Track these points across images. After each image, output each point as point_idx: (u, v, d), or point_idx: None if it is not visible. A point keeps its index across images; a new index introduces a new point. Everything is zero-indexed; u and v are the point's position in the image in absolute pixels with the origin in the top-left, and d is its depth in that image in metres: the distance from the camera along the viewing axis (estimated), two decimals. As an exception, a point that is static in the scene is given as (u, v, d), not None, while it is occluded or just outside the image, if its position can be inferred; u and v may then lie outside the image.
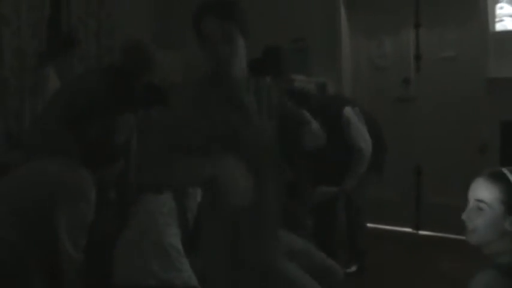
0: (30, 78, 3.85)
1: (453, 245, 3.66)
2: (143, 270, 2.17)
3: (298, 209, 2.84)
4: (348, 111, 3.18)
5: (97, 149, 2.24)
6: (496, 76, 3.81)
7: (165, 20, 4.98)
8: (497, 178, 1.37)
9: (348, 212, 3.43)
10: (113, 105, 2.46)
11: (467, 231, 1.41)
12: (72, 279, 1.98)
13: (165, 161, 1.53)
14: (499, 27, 3.87)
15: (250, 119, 1.66)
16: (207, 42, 1.59)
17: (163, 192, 2.40)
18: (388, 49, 4.46)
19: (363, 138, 3.14)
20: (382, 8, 4.36)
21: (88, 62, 4.22)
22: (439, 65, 4.16)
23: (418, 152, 4.29)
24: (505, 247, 1.35)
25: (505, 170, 1.38)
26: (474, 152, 3.82)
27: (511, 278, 1.29)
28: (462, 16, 4.01)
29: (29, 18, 3.88)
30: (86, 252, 2.07)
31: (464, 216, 1.41)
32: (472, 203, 1.40)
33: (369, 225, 3.68)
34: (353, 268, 3.42)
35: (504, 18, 3.85)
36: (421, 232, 4.28)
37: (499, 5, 3.86)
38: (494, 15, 3.86)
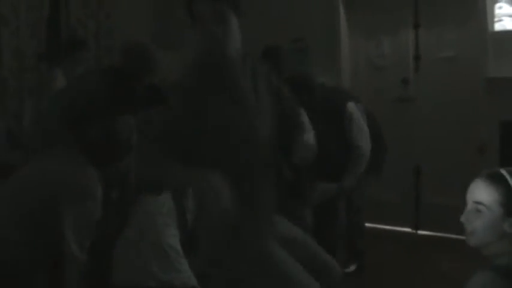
0: (29, 79, 3.85)
1: (452, 245, 3.66)
2: (143, 271, 2.17)
3: (298, 208, 2.83)
4: (351, 106, 3.12)
5: (101, 147, 2.23)
6: (495, 76, 3.82)
7: (164, 20, 4.97)
8: (495, 180, 1.36)
9: (347, 211, 3.43)
10: (113, 106, 2.46)
11: (466, 234, 1.40)
12: (74, 280, 1.97)
13: (158, 166, 1.53)
14: (498, 27, 3.87)
15: (245, 104, 1.61)
16: (200, 23, 1.57)
17: (162, 193, 2.40)
18: (387, 49, 4.46)
19: (364, 137, 3.09)
20: (381, 8, 4.36)
21: (87, 63, 4.21)
22: (438, 65, 4.16)
23: (417, 152, 4.30)
24: (504, 249, 1.35)
25: (504, 171, 1.37)
26: (473, 152, 3.82)
27: (509, 280, 1.28)
28: (461, 16, 4.01)
29: (28, 19, 3.88)
30: (88, 253, 2.07)
31: (462, 219, 1.40)
32: (470, 205, 1.39)
33: (368, 225, 3.68)
34: (352, 268, 3.43)
35: (503, 18, 3.86)
36: (420, 232, 4.28)
37: (498, 5, 3.86)
38: (493, 15, 3.86)
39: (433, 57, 4.19)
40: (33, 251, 1.89)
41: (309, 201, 3.15)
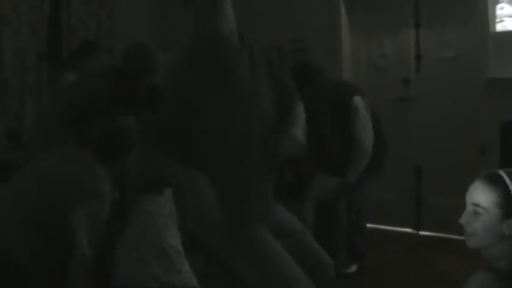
0: (31, 79, 3.85)
1: (453, 245, 3.66)
2: (144, 272, 2.17)
3: (298, 208, 2.83)
4: (358, 100, 3.09)
5: (106, 143, 2.21)
6: (496, 76, 3.82)
7: (164, 20, 4.97)
8: (493, 181, 1.35)
9: (348, 212, 3.42)
10: (113, 107, 2.46)
11: (466, 235, 1.39)
12: (79, 280, 1.95)
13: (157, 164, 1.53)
14: (499, 27, 3.87)
15: (240, 87, 1.59)
16: (192, 4, 1.55)
17: (163, 194, 2.40)
18: (388, 49, 4.46)
19: (367, 132, 3.06)
20: (383, 8, 4.36)
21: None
22: (439, 65, 4.16)
23: (418, 152, 4.29)
24: (503, 251, 1.34)
25: (502, 172, 1.36)
26: (474, 152, 3.82)
27: (507, 282, 1.28)
28: (462, 16, 4.00)
29: (29, 19, 3.88)
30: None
31: (462, 220, 1.39)
32: (469, 206, 1.39)
33: (369, 225, 3.67)
34: (353, 268, 3.42)
35: (504, 18, 3.85)
36: (422, 232, 4.28)
37: (499, 6, 3.86)
38: (494, 16, 3.86)
39: (434, 58, 4.19)
40: (36, 251, 1.88)
41: (309, 195, 3.12)
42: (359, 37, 4.63)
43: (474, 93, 3.92)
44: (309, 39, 4.55)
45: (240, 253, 1.67)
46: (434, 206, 4.09)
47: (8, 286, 1.82)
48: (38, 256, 1.88)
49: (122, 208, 2.56)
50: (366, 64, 4.61)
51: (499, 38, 3.85)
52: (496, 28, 3.87)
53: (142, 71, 2.66)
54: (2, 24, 3.72)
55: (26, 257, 1.86)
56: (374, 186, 3.46)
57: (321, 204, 3.34)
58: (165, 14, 4.99)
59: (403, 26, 4.33)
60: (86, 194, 1.98)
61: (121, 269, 2.23)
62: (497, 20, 3.86)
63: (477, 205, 1.36)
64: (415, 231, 4.31)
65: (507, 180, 1.34)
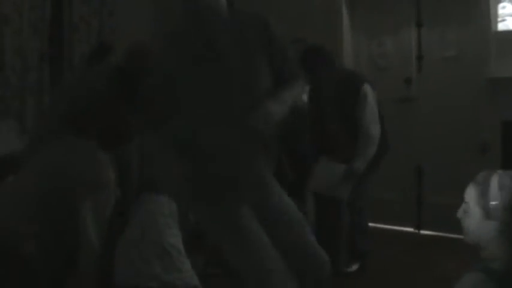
0: (32, 78, 3.85)
1: (454, 244, 3.65)
2: (145, 271, 2.17)
3: (298, 205, 2.82)
4: (367, 88, 3.08)
5: (108, 128, 2.21)
6: (498, 76, 3.81)
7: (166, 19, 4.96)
8: (480, 181, 1.38)
9: (350, 212, 3.42)
10: (114, 105, 2.46)
11: (463, 231, 1.44)
12: (89, 271, 1.94)
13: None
14: (501, 27, 3.86)
15: (225, 59, 1.60)
16: None
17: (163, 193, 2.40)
18: (390, 49, 4.45)
19: (375, 120, 3.04)
20: (384, 8, 4.36)
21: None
22: (441, 64, 4.16)
23: (419, 151, 4.29)
24: (497, 252, 1.35)
25: (497, 173, 1.37)
26: (475, 152, 3.81)
27: (499, 284, 1.28)
28: (464, 16, 4.00)
29: (30, 18, 3.88)
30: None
31: (458, 214, 1.44)
32: (462, 204, 1.43)
33: (370, 224, 3.67)
34: (354, 267, 3.42)
35: (506, 18, 3.85)
36: (422, 232, 4.28)
37: (501, 5, 3.85)
38: (496, 15, 3.85)
39: (435, 57, 4.19)
40: (44, 244, 1.88)
41: (310, 186, 3.10)
42: (360, 37, 4.62)
43: (476, 93, 3.91)
44: (309, 39, 4.54)
45: (221, 230, 1.67)
46: (435, 206, 4.09)
47: (17, 279, 1.82)
48: (46, 249, 1.88)
49: (123, 207, 2.57)
50: (367, 64, 4.60)
51: (500, 38, 3.84)
52: (498, 27, 3.87)
53: (143, 69, 2.65)
54: (2, 24, 3.72)
55: (34, 250, 1.86)
56: (375, 186, 3.46)
57: (323, 203, 3.34)
58: (165, 13, 4.99)
59: (405, 25, 4.33)
60: (90, 184, 1.97)
61: (122, 268, 2.23)
62: (499, 19, 3.86)
63: (466, 203, 1.40)
64: (416, 231, 4.31)
65: (495, 181, 1.34)
